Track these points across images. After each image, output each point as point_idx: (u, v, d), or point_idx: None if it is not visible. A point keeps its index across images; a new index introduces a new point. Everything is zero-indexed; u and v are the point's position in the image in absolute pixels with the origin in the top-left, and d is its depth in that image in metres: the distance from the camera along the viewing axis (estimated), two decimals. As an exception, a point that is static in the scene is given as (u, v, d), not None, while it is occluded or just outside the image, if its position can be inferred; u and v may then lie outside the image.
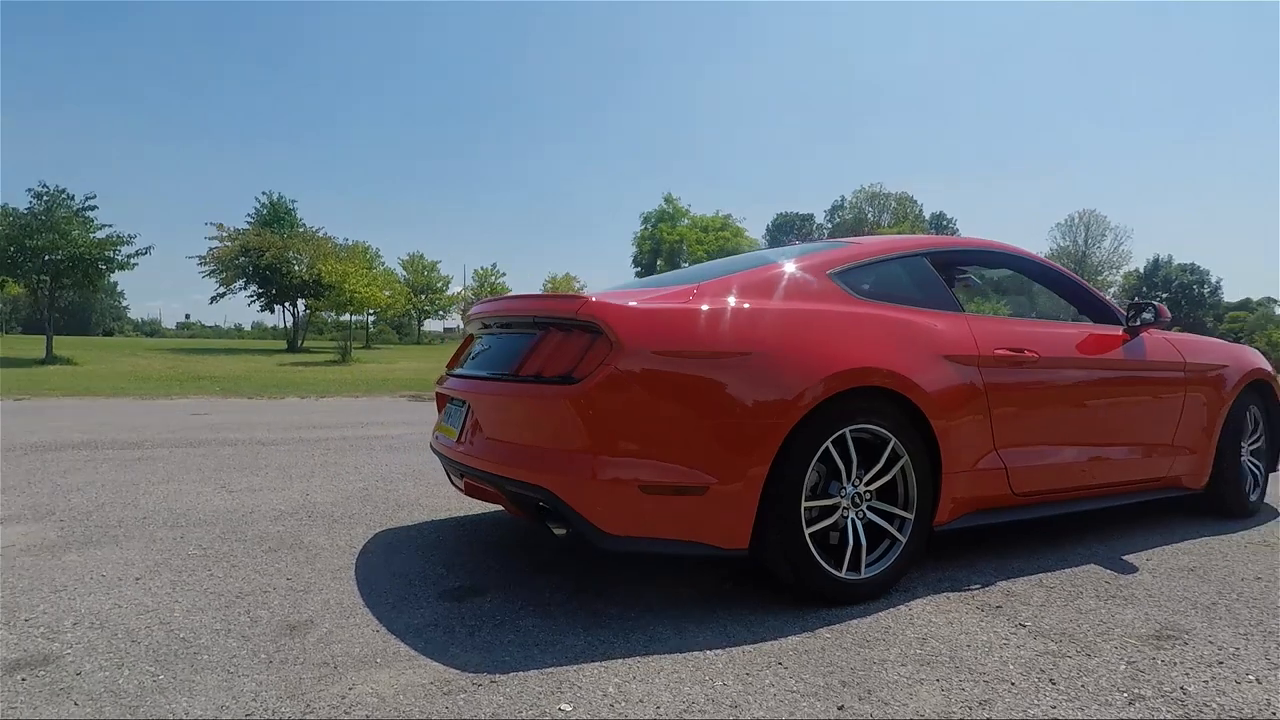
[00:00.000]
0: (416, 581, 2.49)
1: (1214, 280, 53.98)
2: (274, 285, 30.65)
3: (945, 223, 53.62)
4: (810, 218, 59.51)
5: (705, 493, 2.09)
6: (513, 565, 2.70)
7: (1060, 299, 3.43)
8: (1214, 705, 1.67)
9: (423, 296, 50.92)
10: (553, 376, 2.16)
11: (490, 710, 1.62)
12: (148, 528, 3.15)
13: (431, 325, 61.06)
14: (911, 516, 2.42)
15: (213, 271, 30.06)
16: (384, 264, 39.10)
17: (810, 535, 2.22)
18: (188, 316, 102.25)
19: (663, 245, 40.87)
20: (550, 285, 41.64)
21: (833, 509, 2.29)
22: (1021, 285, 3.74)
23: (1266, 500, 3.89)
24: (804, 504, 2.21)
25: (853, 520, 2.32)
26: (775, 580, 2.34)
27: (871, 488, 2.36)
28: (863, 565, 2.32)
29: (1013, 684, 1.77)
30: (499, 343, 2.59)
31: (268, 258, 29.06)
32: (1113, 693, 1.73)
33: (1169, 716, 1.62)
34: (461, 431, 2.50)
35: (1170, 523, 3.46)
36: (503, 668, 1.83)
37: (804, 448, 2.19)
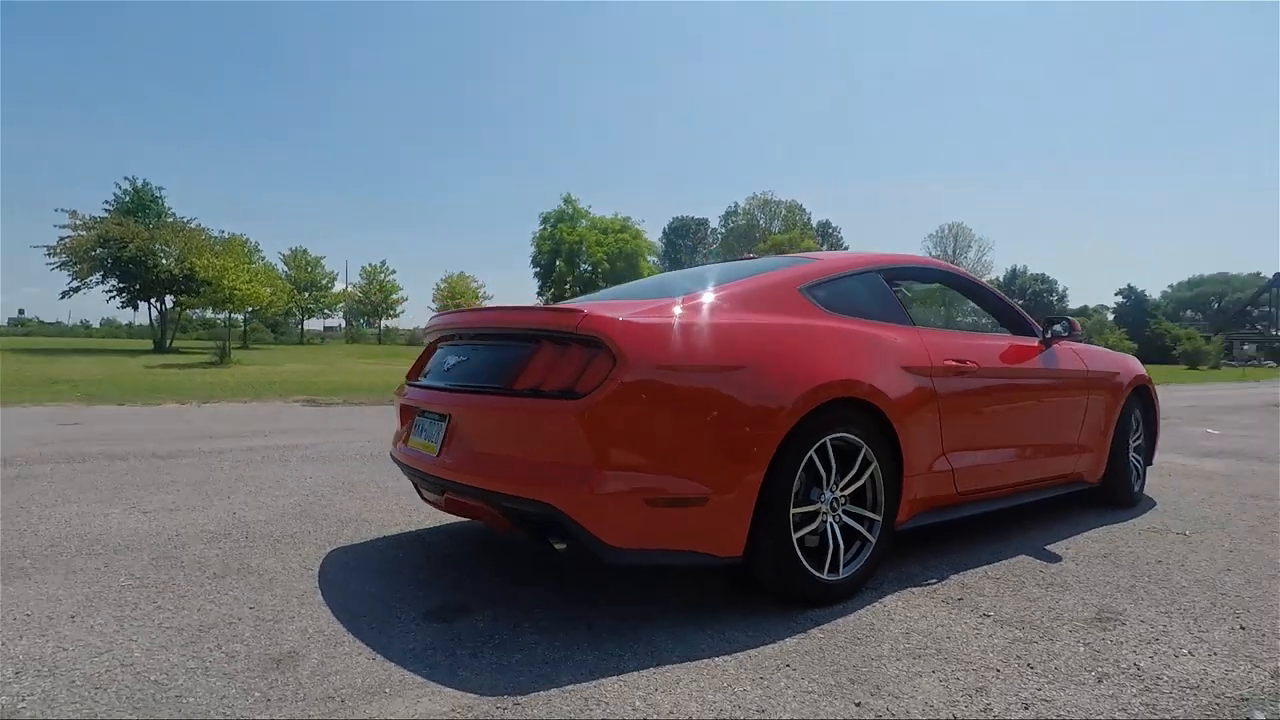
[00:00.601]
0: (394, 603, 2.40)
1: (1061, 289, 60.26)
2: (138, 280, 27.83)
3: (830, 230, 56.68)
4: (705, 222, 61.21)
5: (705, 503, 2.15)
6: (489, 580, 2.64)
7: (983, 311, 3.74)
8: (1165, 678, 1.91)
9: (306, 294, 48.02)
10: (553, 390, 2.14)
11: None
12: (60, 557, 2.83)
13: (310, 324, 57.60)
14: (880, 518, 2.58)
15: (64, 264, 26.93)
16: (264, 258, 36.56)
17: (796, 540, 2.32)
18: (21, 312, 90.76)
19: (563, 246, 40.65)
20: (445, 284, 40.39)
21: (814, 514, 2.41)
22: (948, 298, 4.04)
23: (1145, 491, 4.41)
24: (791, 510, 2.31)
25: (831, 524, 2.45)
26: (754, 585, 2.42)
27: (846, 493, 2.50)
28: (840, 567, 2.45)
29: (998, 671, 1.94)
30: (481, 355, 2.53)
31: (131, 249, 26.36)
32: (1082, 673, 1.93)
33: (1134, 691, 1.83)
34: (441, 446, 2.42)
35: (1071, 515, 3.86)
36: (521, 689, 1.81)
37: (792, 456, 2.29)
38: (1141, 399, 4.20)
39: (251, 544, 3.07)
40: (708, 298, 2.50)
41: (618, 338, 2.11)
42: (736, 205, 58.73)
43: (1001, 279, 58.78)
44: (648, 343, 2.15)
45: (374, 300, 52.75)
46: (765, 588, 2.36)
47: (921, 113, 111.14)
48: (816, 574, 2.37)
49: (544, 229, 42.77)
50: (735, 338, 2.34)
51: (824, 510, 2.43)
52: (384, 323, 55.53)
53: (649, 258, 43.66)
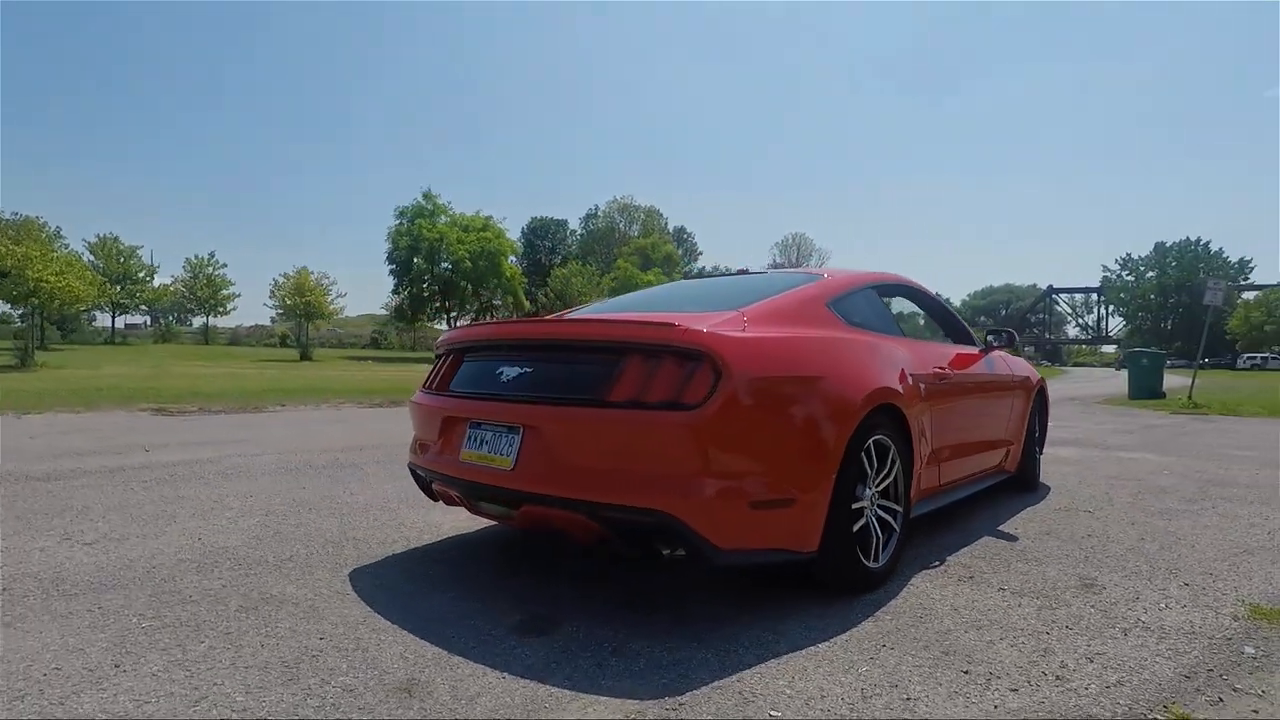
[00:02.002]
0: (473, 621, 2.34)
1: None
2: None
3: (685, 236, 58.93)
4: (565, 223, 61.23)
5: (794, 504, 2.32)
6: (549, 592, 2.64)
7: (934, 322, 4.23)
8: (1168, 627, 2.35)
9: (118, 288, 42.04)
10: (657, 402, 2.21)
11: (714, 729, 1.69)
12: (29, 601, 2.45)
13: (106, 321, 50.16)
14: (901, 509, 2.89)
15: None
16: (67, 246, 31.55)
17: (853, 532, 2.56)
18: None
19: (422, 242, 38.82)
20: (290, 279, 37.09)
21: (861, 510, 2.66)
22: (907, 310, 4.50)
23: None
24: (850, 506, 2.54)
25: (871, 517, 2.72)
26: (805, 579, 2.62)
27: (880, 489, 2.78)
28: (880, 555, 2.72)
29: (1046, 633, 2.28)
30: (556, 366, 2.52)
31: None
32: (1109, 629, 2.32)
33: (1154, 640, 2.24)
34: (518, 458, 2.40)
35: (993, 501, 4.45)
36: (671, 690, 1.88)
37: (851, 457, 2.53)
38: (1040, 398, 4.93)
39: (252, 571, 2.81)
40: (762, 312, 2.67)
41: (723, 351, 2.23)
42: (597, 208, 59.55)
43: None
44: (746, 356, 2.28)
45: (200, 296, 47.35)
46: (825, 578, 2.57)
47: (771, 123, 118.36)
48: (866, 563, 2.63)
49: (401, 224, 40.60)
50: (810, 350, 2.54)
51: (867, 505, 2.68)
52: (210, 320, 50.03)
53: (510, 257, 42.97)
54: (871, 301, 3.34)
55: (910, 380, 3.01)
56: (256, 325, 78.59)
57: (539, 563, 3.01)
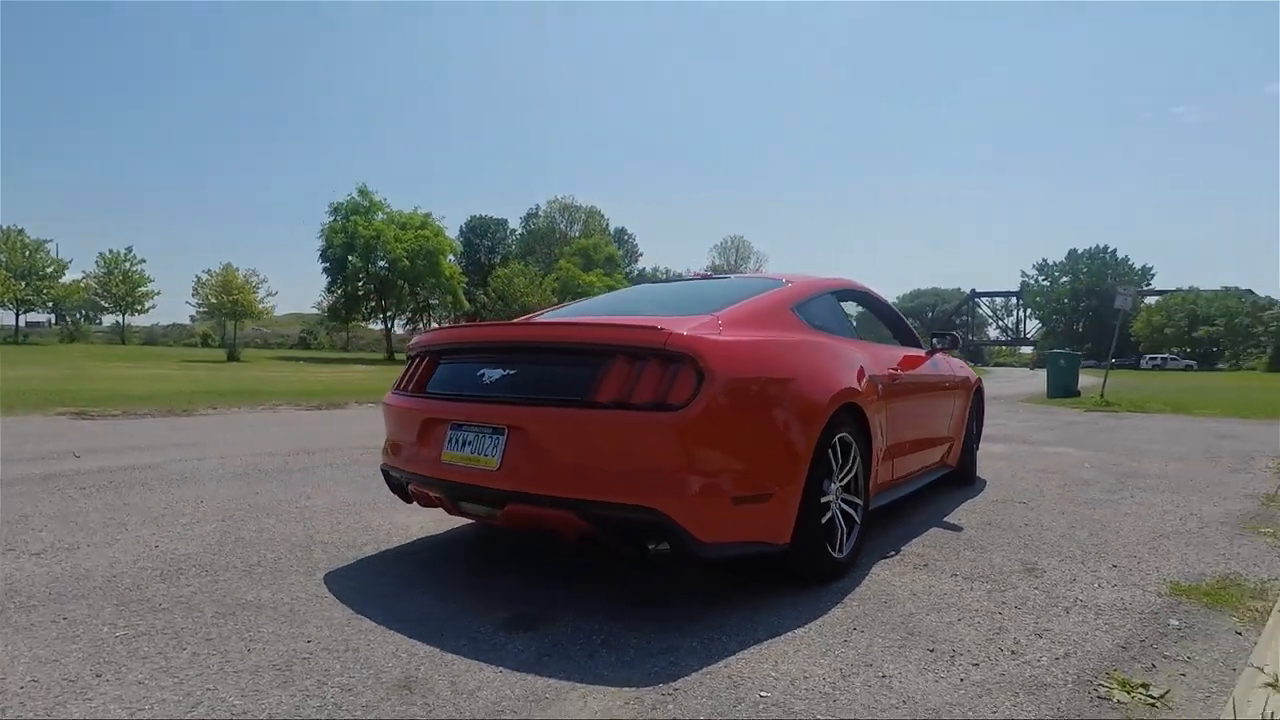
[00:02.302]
0: (458, 619, 2.37)
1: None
2: None
3: (626, 237, 59.14)
4: (505, 222, 60.52)
5: (771, 498, 2.45)
6: (528, 589, 2.69)
7: (884, 326, 4.46)
8: (1103, 605, 2.58)
9: (23, 283, 39.17)
10: (643, 403, 2.29)
11: (711, 708, 1.79)
12: (-15, 614, 2.35)
13: (8, 319, 46.76)
14: (862, 502, 3.06)
15: None
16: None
17: (822, 525, 2.71)
18: None
19: (357, 240, 37.60)
20: (215, 276, 35.35)
21: (828, 504, 2.81)
22: (859, 313, 4.72)
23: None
24: (820, 500, 2.69)
25: (836, 511, 2.87)
26: (766, 572, 2.75)
27: (843, 483, 2.94)
28: (844, 546, 2.88)
29: (998, 614, 2.48)
30: (541, 368, 2.57)
31: None
32: (1054, 608, 2.54)
33: (1092, 616, 2.47)
34: (503, 458, 2.44)
35: (936, 494, 4.72)
36: (664, 676, 1.97)
37: (820, 454, 2.67)
38: (977, 397, 5.24)
39: (220, 578, 2.76)
40: (735, 316, 2.80)
41: (705, 353, 2.33)
42: (538, 207, 59.11)
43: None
44: (726, 358, 2.39)
45: (116, 293, 44.64)
46: (797, 568, 2.71)
47: (711, 127, 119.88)
48: (833, 554, 2.78)
49: (335, 221, 39.23)
50: (783, 352, 2.67)
51: (833, 499, 2.84)
52: (124, 319, 47.23)
53: (449, 256, 42.17)
54: (831, 306, 3.51)
55: (868, 380, 3.19)
56: (174, 324, 74.79)
57: (513, 562, 3.05)
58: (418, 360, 3.07)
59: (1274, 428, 9.84)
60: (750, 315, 2.88)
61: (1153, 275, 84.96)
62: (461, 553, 3.22)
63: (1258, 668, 1.72)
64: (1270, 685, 1.63)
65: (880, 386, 3.36)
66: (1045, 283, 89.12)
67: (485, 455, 2.50)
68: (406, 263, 37.33)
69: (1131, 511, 4.22)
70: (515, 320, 3.28)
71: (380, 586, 2.69)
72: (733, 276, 3.88)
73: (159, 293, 48.19)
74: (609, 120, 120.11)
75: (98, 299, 45.42)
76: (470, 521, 3.68)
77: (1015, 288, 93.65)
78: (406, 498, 3.02)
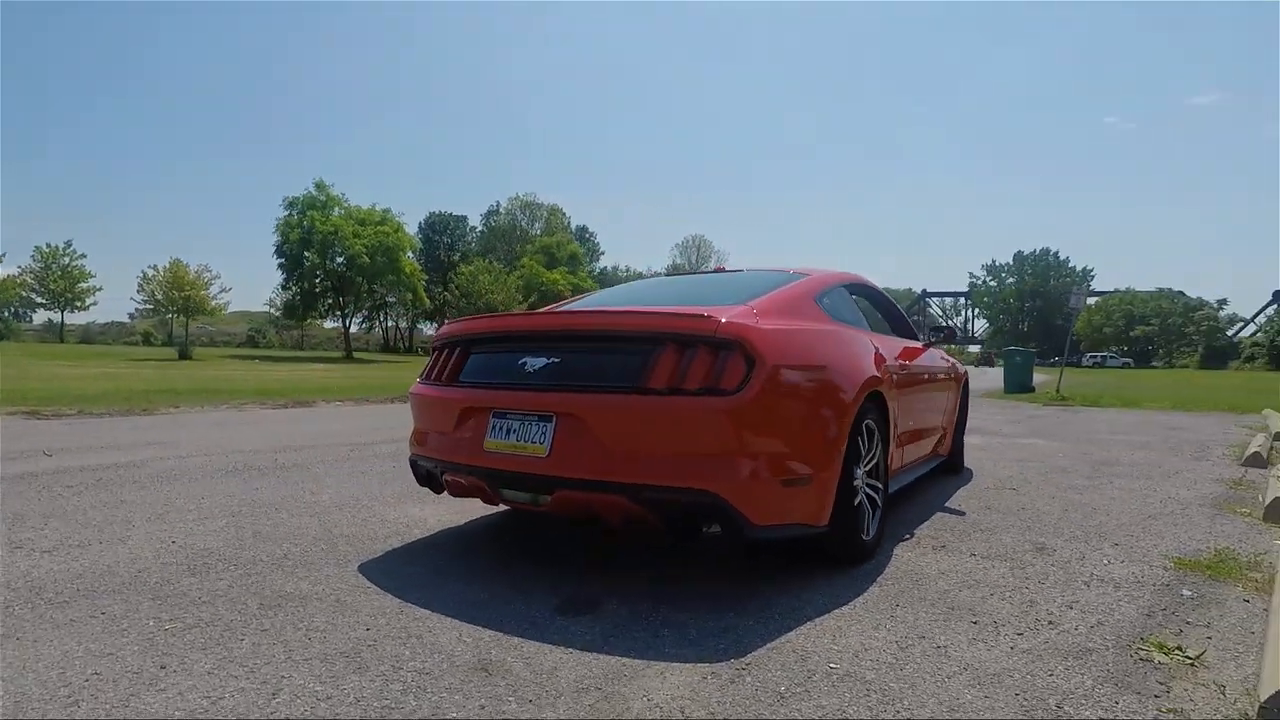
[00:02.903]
0: (515, 605, 2.39)
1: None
2: None
3: (588, 235, 58.99)
4: (465, 219, 59.67)
5: (811, 481, 2.52)
6: (572, 574, 2.71)
7: (886, 318, 4.59)
8: (1120, 579, 2.73)
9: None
10: (696, 389, 2.34)
11: (786, 680, 1.85)
12: (13, 610, 2.27)
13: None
14: (883, 486, 3.17)
15: None
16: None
17: (854, 508, 2.80)
18: None
19: (315, 235, 36.55)
20: (163, 272, 33.95)
21: (857, 487, 2.91)
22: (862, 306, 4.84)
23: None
24: (851, 484, 2.78)
25: (864, 494, 2.97)
26: (797, 553, 2.84)
27: (868, 468, 3.04)
28: (870, 529, 2.98)
29: (1025, 589, 2.61)
30: (589, 356, 2.60)
31: None
32: (1075, 582, 2.68)
33: (1112, 589, 2.61)
34: (552, 445, 2.46)
35: (933, 482, 4.89)
36: (733, 653, 2.03)
37: (852, 439, 2.77)
38: (964, 390, 5.44)
39: (252, 571, 2.71)
40: (767, 306, 2.87)
41: (755, 340, 2.39)
42: (499, 204, 58.39)
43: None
44: (772, 345, 2.46)
45: (55, 289, 42.53)
46: (833, 550, 2.80)
47: (670, 127, 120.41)
48: (862, 536, 2.88)
49: (291, 216, 38.05)
50: (819, 341, 2.76)
51: (860, 483, 2.94)
52: (62, 316, 45.06)
53: (409, 252, 41.41)
54: (844, 298, 3.62)
55: (886, 369, 3.30)
56: (112, 322, 71.67)
57: (541, 550, 3.07)
58: (445, 351, 3.06)
59: (1218, 420, 10.41)
60: (780, 306, 2.96)
61: (1093, 276, 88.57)
62: (485, 543, 3.22)
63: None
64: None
65: (894, 376, 3.48)
66: (992, 283, 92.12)
67: (533, 442, 2.52)
68: (366, 259, 36.47)
69: (1115, 496, 4.45)
70: (552, 309, 3.29)
71: (417, 576, 2.68)
72: (746, 270, 3.95)
73: (100, 288, 46.25)
74: (570, 120, 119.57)
75: (33, 295, 43.24)
76: (489, 512, 3.68)
77: (964, 288, 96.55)
78: (437, 488, 3.01)
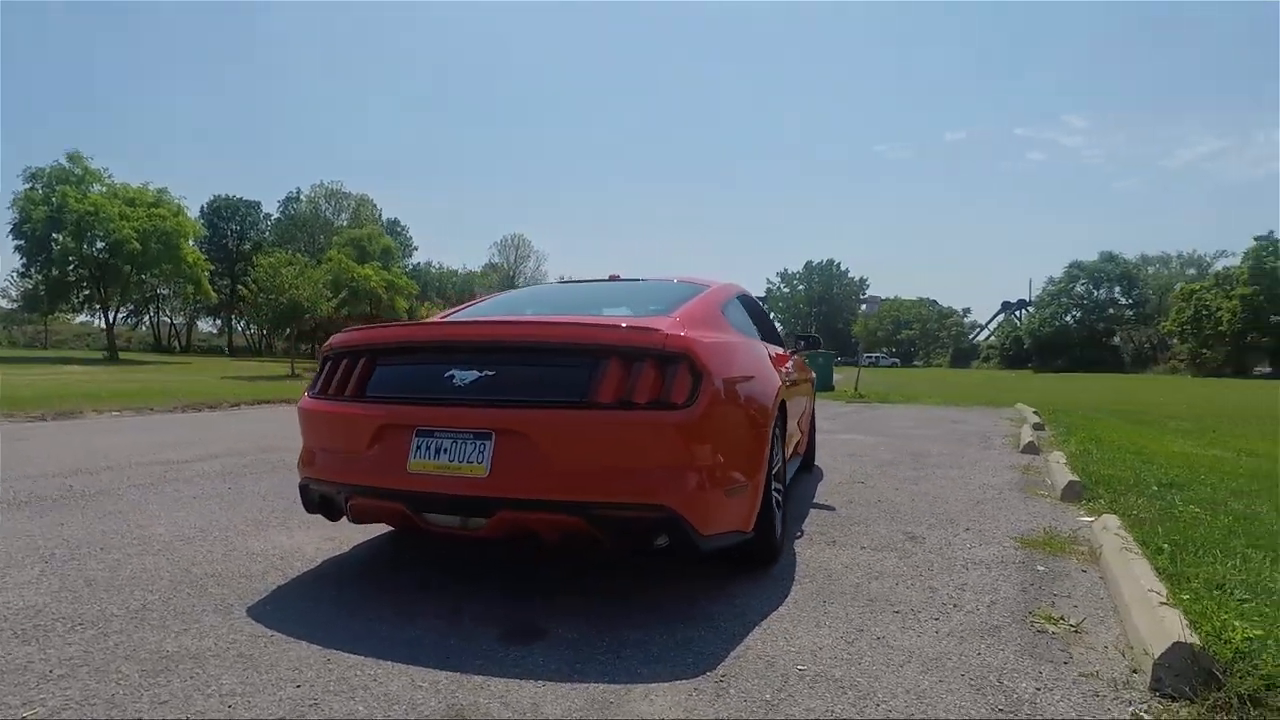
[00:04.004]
0: (448, 639, 2.21)
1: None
2: None
3: (400, 229, 55.66)
4: (258, 205, 53.50)
5: (747, 489, 2.61)
6: (497, 600, 2.57)
7: (760, 327, 4.86)
8: (984, 560, 3.13)
9: None
10: (646, 403, 2.33)
11: (769, 687, 1.90)
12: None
13: None
14: (783, 488, 3.37)
15: None
16: None
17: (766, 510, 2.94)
18: None
19: (67, 214, 30.45)
20: None
21: (770, 491, 3.05)
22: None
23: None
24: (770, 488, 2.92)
25: (774, 497, 3.13)
26: (707, 558, 2.93)
27: (775, 471, 3.21)
28: (779, 529, 3.15)
29: (920, 576, 2.90)
30: (528, 369, 2.46)
31: None
32: (956, 565, 3.03)
33: (984, 570, 2.99)
34: (493, 464, 2.32)
35: (794, 480, 5.26)
36: (703, 666, 2.04)
37: (770, 446, 2.91)
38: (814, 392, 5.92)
39: (108, 630, 2.26)
40: (688, 317, 2.92)
41: (700, 353, 2.43)
42: (299, 191, 52.93)
43: (552, 288, 65.98)
44: (716, 358, 2.51)
45: None
46: (756, 553, 2.90)
47: (496, 122, 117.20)
48: (776, 537, 3.03)
49: (34, 190, 31.43)
50: (744, 352, 2.85)
51: (772, 486, 3.09)
52: None
53: (191, 239, 36.25)
54: (739, 309, 3.79)
55: (779, 376, 3.51)
56: None
57: (444, 574, 2.88)
58: (344, 362, 2.75)
59: (984, 413, 12.29)
60: (698, 317, 3.03)
61: (867, 285, 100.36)
62: (381, 570, 2.96)
63: (1153, 591, 2.27)
64: (1164, 604, 2.17)
65: (784, 382, 3.70)
66: (786, 290, 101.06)
67: (469, 462, 2.35)
68: (136, 245, 31.10)
69: (943, 485, 5.09)
70: (480, 319, 3.07)
71: (324, 616, 2.39)
72: (643, 280, 3.98)
73: None
74: (377, 106, 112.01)
75: None
76: (372, 534, 3.37)
77: (761, 293, 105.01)
78: (333, 514, 2.71)
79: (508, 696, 1.85)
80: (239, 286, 32.10)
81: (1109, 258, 65.02)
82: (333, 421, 2.65)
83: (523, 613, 2.45)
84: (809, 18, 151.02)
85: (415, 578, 2.84)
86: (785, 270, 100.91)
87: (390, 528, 3.38)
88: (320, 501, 2.71)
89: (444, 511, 2.44)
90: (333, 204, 51.71)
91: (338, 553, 3.16)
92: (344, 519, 2.72)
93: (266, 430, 8.01)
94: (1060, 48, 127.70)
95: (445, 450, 2.39)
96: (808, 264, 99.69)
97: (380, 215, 52.80)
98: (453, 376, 2.49)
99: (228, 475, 4.98)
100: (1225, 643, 1.95)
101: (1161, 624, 2.03)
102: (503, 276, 59.27)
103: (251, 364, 33.42)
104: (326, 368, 2.82)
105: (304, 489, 2.74)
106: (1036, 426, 8.90)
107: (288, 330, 27.30)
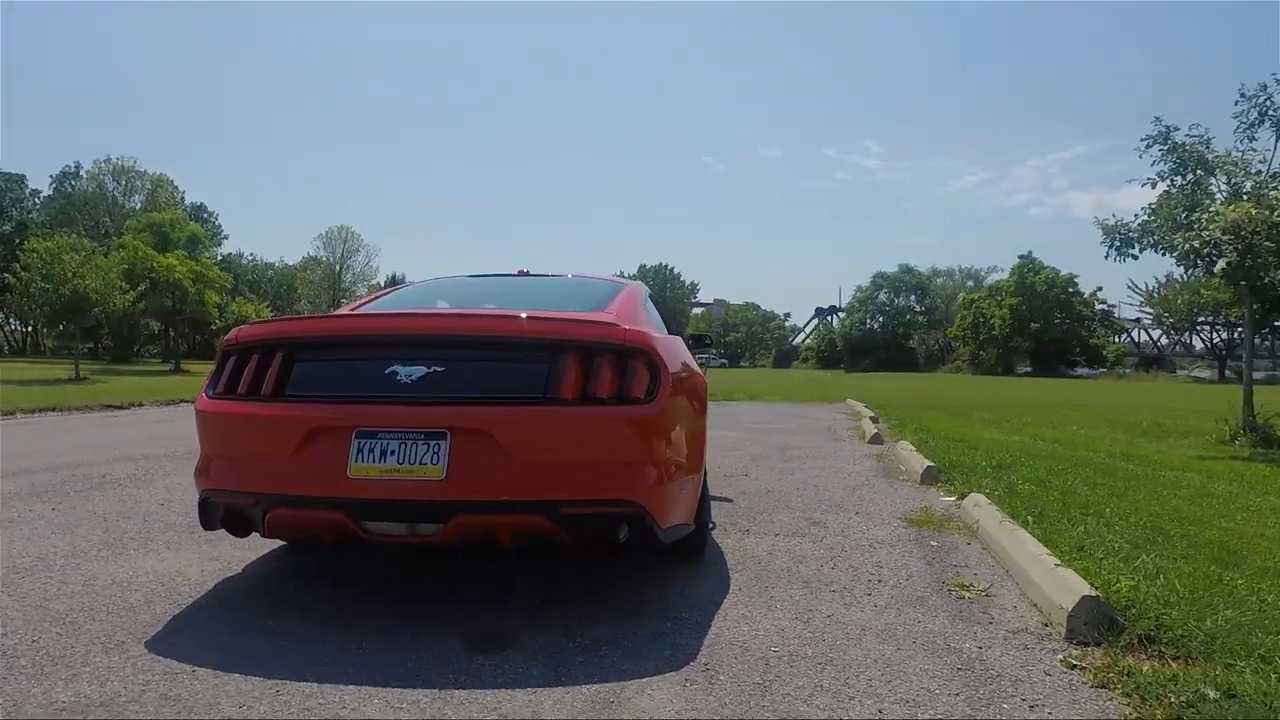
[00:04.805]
0: (409, 655, 2.05)
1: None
2: None
3: (207, 214, 49.59)
4: (22, 180, 45.01)
5: (693, 482, 2.67)
6: (439, 609, 2.42)
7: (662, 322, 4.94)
8: (886, 539, 3.43)
9: None
10: (609, 398, 2.30)
11: (754, 671, 1.96)
12: None
13: None
14: (705, 482, 3.46)
15: None
16: None
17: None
18: None
19: None
20: None
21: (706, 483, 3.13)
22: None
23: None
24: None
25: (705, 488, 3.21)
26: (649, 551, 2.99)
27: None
28: (710, 519, 3.24)
29: (838, 557, 3.12)
30: (475, 365, 2.33)
31: None
32: (862, 546, 3.29)
33: (890, 548, 3.28)
34: (450, 467, 2.18)
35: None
36: (682, 657, 2.07)
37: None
38: (696, 389, 6.13)
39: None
40: (622, 313, 2.93)
41: (658, 349, 2.44)
42: (78, 167, 45.32)
43: (383, 284, 62.40)
44: (668, 353, 2.53)
45: None
46: (695, 543, 2.96)
47: (316, 106, 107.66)
48: (707, 529, 3.12)
49: None
50: (680, 349, 2.90)
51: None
52: None
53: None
54: (651, 306, 3.84)
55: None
56: None
57: (358, 584, 2.67)
58: (255, 357, 2.44)
59: (822, 408, 13.38)
60: (630, 313, 3.04)
61: (699, 289, 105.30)
62: (297, 589, 2.69)
63: (1046, 556, 2.62)
64: (1059, 565, 2.52)
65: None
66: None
67: (422, 464, 2.19)
68: None
69: (817, 473, 5.49)
70: (425, 311, 2.82)
71: (251, 644, 2.13)
72: (550, 275, 3.92)
73: None
74: (185, 71, 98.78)
75: None
76: (264, 549, 3.03)
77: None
78: (241, 530, 2.42)
79: (501, 706, 1.76)
80: (4, 275, 26.83)
81: (907, 269, 73.23)
82: (246, 425, 2.35)
83: (478, 621, 2.34)
84: (642, 23, 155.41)
85: (339, 593, 2.61)
86: (621, 273, 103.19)
87: (282, 542, 3.05)
88: (226, 516, 2.39)
89: (393, 519, 2.25)
90: (122, 183, 44.93)
91: (230, 573, 2.81)
92: (251, 535, 2.43)
93: (71, 442, 6.88)
94: (862, 78, 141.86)
95: (392, 453, 2.21)
96: (642, 267, 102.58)
97: (183, 198, 46.84)
98: (395, 373, 2.30)
99: (44, 495, 4.22)
100: (1116, 594, 2.31)
101: (1065, 582, 2.35)
102: (327, 271, 54.99)
103: (21, 365, 28.36)
104: (230, 364, 2.49)
105: (205, 503, 2.40)
106: (873, 420, 9.85)
107: (60, 326, 23.47)
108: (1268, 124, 8.05)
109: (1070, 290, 55.21)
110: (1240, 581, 2.62)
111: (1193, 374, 53.19)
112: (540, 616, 2.37)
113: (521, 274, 3.99)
